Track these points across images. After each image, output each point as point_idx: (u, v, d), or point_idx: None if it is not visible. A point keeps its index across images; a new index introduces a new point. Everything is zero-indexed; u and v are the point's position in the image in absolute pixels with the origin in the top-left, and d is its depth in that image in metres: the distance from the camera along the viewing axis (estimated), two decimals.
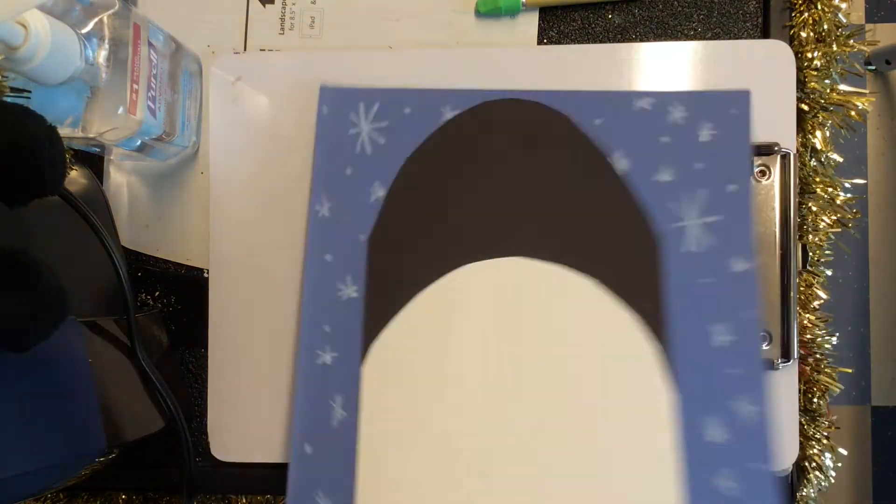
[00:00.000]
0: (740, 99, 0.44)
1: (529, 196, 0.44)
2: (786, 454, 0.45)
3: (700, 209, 0.43)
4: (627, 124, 0.44)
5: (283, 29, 0.48)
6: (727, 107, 0.44)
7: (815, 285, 0.46)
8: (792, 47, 0.45)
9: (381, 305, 0.43)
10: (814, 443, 0.45)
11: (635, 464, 0.41)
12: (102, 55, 0.36)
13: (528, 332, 0.43)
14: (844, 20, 0.46)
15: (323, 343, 0.44)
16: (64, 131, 0.36)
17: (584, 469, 0.41)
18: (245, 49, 0.48)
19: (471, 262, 0.43)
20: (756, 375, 0.42)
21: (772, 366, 0.44)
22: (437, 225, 0.44)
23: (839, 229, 0.46)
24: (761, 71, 0.45)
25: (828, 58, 0.45)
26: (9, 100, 0.35)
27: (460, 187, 0.44)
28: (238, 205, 0.46)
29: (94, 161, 0.47)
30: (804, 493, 0.46)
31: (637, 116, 0.44)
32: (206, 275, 0.47)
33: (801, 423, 0.45)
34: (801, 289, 0.46)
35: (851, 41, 0.46)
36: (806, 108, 0.46)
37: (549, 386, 0.42)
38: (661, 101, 0.44)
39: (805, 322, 0.46)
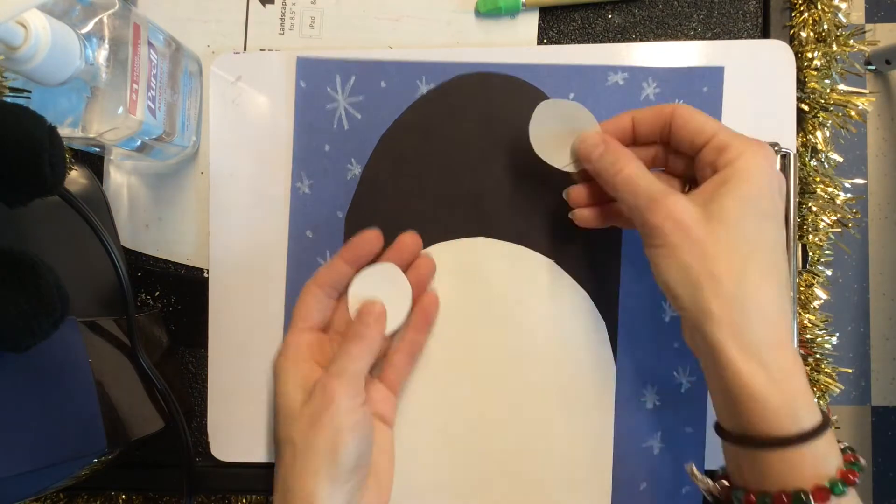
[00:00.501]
0: (714, 75, 0.44)
1: (498, 175, 0.45)
2: None
3: None
4: (600, 99, 0.45)
5: (283, 29, 0.48)
6: (700, 84, 0.45)
7: (815, 285, 0.46)
8: (792, 47, 0.45)
9: None
10: None
11: (577, 426, 0.45)
12: (102, 55, 0.36)
13: (488, 306, 0.45)
14: (844, 20, 0.46)
15: None
16: (64, 131, 0.36)
17: (532, 427, 0.45)
18: (245, 49, 0.48)
19: (440, 241, 0.45)
20: None
21: None
22: (409, 204, 0.45)
23: (839, 229, 0.46)
24: (761, 71, 0.45)
25: (828, 58, 0.45)
26: (9, 100, 0.35)
27: (432, 166, 0.45)
28: (238, 205, 0.46)
29: (94, 161, 0.47)
30: None
31: (611, 91, 0.45)
32: (206, 275, 0.47)
33: None
34: (801, 289, 0.46)
35: (851, 41, 0.46)
36: (806, 108, 0.46)
37: (504, 353, 0.45)
38: (634, 76, 0.44)
39: (805, 322, 0.46)
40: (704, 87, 0.45)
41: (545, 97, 0.45)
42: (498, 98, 0.45)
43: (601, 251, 0.45)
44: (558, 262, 0.45)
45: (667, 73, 0.45)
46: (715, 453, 0.45)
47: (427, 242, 0.45)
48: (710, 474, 0.45)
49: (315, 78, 0.46)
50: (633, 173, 0.37)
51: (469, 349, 0.45)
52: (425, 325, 0.44)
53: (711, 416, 0.44)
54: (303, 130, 0.46)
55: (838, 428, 0.47)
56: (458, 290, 0.45)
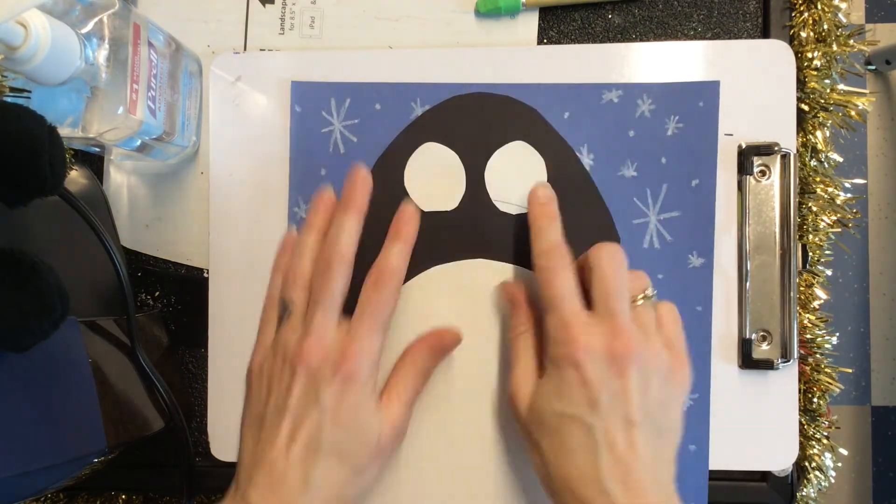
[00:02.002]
0: (709, 90, 0.44)
1: (492, 201, 0.45)
2: (786, 454, 0.45)
3: (663, 205, 0.44)
4: (595, 117, 0.45)
5: (283, 29, 0.48)
6: (696, 99, 0.44)
7: (815, 285, 0.46)
8: (792, 47, 0.45)
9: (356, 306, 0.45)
10: (814, 443, 0.45)
11: None
12: (102, 55, 0.36)
13: (489, 328, 0.45)
14: (844, 20, 0.46)
15: None
16: (64, 131, 0.36)
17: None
18: (245, 49, 0.48)
19: (438, 264, 0.45)
20: (702, 365, 0.44)
21: (772, 366, 0.44)
22: None
23: (839, 229, 0.46)
24: (761, 71, 0.45)
25: (828, 58, 0.45)
26: (9, 100, 0.35)
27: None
28: (238, 205, 0.46)
29: (94, 161, 0.47)
30: (804, 493, 0.46)
31: (605, 109, 0.45)
32: (206, 275, 0.47)
33: (801, 423, 0.45)
34: (801, 289, 0.46)
35: (851, 41, 0.46)
36: (806, 108, 0.46)
37: (505, 375, 0.44)
38: (629, 94, 0.44)
39: (805, 322, 0.46)
40: (700, 101, 0.44)
41: (540, 117, 0.45)
42: (493, 118, 0.45)
43: None
44: None
45: (662, 88, 0.45)
46: (721, 437, 0.44)
47: (426, 265, 0.45)
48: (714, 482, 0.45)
49: (310, 102, 0.46)
50: (560, 292, 0.37)
51: (470, 370, 0.45)
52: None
53: (714, 434, 0.44)
54: (299, 155, 0.46)
55: (838, 428, 0.47)
56: (458, 312, 0.45)
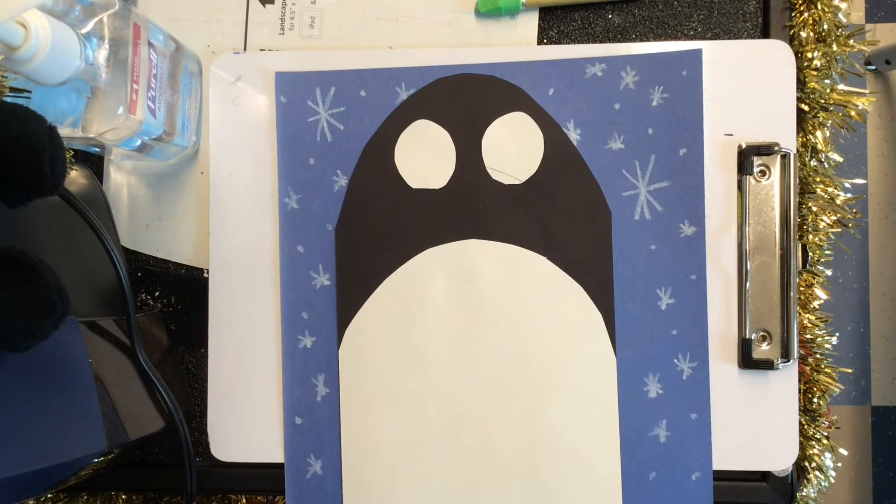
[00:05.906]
0: (692, 59, 0.45)
1: (485, 175, 0.45)
2: (786, 454, 0.45)
3: (652, 176, 0.45)
4: (580, 92, 0.45)
5: (283, 29, 0.48)
6: (679, 68, 0.45)
7: (815, 285, 0.46)
8: (792, 47, 0.45)
9: (351, 292, 0.46)
10: (814, 443, 0.45)
11: (581, 419, 0.45)
12: (102, 55, 0.36)
13: (484, 307, 0.45)
14: (844, 20, 0.46)
15: (302, 328, 0.46)
16: (64, 131, 0.36)
17: (537, 424, 0.45)
18: (245, 49, 0.48)
19: (431, 246, 0.45)
20: (699, 333, 0.45)
21: (772, 366, 0.44)
22: (398, 211, 0.45)
23: (839, 229, 0.46)
24: (761, 71, 0.45)
25: (828, 58, 0.45)
26: (9, 100, 0.35)
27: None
28: (238, 205, 0.46)
29: (94, 161, 0.47)
30: (804, 493, 0.46)
31: (590, 83, 0.45)
32: (206, 275, 0.47)
33: (801, 423, 0.45)
34: (801, 289, 0.46)
35: (851, 41, 0.46)
36: (806, 108, 0.46)
37: (504, 354, 0.45)
38: (612, 66, 0.45)
39: (805, 322, 0.46)
40: (683, 70, 0.45)
41: (525, 95, 0.45)
42: (478, 99, 0.45)
43: (592, 244, 0.45)
44: (550, 259, 0.45)
45: (644, 59, 0.45)
46: (721, 437, 0.45)
47: (419, 248, 0.45)
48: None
49: (295, 92, 0.46)
50: None
51: (469, 351, 0.45)
52: None
53: (714, 434, 0.45)
54: (286, 146, 0.46)
55: (838, 428, 0.47)
56: (454, 294, 0.45)
